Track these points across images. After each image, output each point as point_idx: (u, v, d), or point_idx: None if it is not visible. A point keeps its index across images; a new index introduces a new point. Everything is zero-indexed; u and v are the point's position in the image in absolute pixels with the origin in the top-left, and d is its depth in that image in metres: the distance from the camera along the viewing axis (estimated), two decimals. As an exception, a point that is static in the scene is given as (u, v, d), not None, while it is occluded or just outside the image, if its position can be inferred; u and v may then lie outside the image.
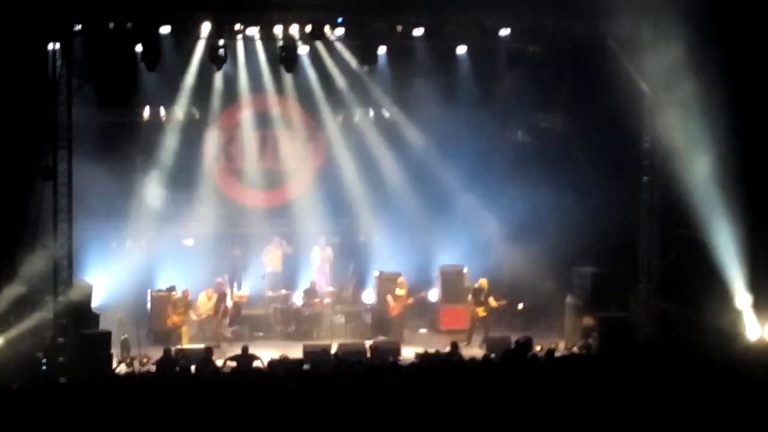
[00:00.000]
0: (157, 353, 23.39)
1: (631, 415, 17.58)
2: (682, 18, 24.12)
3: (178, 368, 22.34)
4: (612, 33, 25.31)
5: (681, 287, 25.53)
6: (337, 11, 24.90)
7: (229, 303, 27.02)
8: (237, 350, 23.22)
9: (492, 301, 26.74)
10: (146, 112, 28.36)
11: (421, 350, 23.62)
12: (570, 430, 16.92)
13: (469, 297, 27.09)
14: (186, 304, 26.23)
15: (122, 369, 23.27)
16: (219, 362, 22.89)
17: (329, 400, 18.03)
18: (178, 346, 24.73)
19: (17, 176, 23.99)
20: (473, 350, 25.06)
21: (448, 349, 23.11)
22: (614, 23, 25.04)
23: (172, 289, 26.57)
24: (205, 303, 26.57)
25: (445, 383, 19.14)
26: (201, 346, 24.04)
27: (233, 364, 22.73)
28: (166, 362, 22.59)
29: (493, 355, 22.34)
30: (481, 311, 26.65)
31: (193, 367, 22.35)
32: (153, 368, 22.87)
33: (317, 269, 28.66)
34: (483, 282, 27.13)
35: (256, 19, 24.93)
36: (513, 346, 21.77)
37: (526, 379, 19.26)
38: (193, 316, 26.28)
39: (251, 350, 23.10)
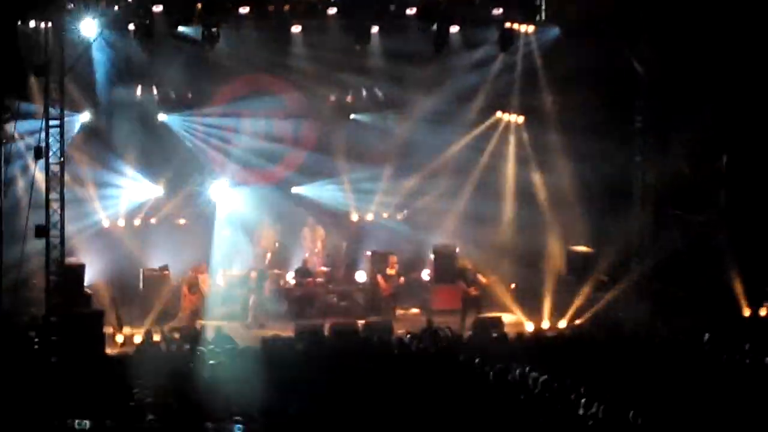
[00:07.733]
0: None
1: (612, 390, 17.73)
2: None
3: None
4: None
5: (674, 267, 25.56)
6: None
7: (221, 282, 27.04)
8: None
9: (481, 278, 26.72)
10: (138, 91, 28.31)
11: (413, 330, 23.70)
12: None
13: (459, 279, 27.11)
14: (198, 281, 26.16)
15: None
16: None
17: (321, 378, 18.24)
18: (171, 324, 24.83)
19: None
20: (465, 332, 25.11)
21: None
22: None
23: (164, 268, 26.54)
24: (205, 279, 26.53)
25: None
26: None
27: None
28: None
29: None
30: (471, 290, 26.62)
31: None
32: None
33: (309, 249, 28.63)
34: (465, 262, 27.15)
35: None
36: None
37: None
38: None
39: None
